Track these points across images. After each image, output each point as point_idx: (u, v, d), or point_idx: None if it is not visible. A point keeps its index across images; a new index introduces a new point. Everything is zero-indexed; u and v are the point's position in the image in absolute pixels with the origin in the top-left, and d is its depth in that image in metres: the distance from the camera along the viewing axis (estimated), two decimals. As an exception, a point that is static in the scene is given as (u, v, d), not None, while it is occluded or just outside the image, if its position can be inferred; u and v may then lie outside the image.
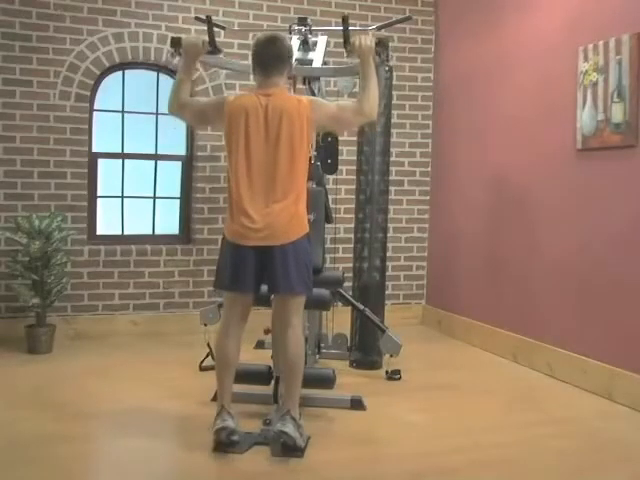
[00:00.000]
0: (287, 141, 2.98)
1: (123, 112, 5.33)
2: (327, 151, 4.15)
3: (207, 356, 4.27)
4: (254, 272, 3.02)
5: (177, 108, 3.19)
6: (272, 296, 3.26)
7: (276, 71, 3.06)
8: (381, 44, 3.20)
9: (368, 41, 3.09)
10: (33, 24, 4.95)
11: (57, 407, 3.60)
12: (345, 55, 3.26)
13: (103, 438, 3.41)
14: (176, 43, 3.33)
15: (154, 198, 5.45)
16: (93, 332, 5.08)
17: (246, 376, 3.45)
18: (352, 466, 3.00)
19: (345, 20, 3.15)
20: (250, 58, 3.13)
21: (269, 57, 3.06)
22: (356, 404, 3.69)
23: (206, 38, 3.21)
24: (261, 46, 3.08)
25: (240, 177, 3.00)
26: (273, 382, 3.50)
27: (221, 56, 3.68)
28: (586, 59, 4.16)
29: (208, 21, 3.26)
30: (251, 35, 5.38)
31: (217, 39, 3.32)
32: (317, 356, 4.34)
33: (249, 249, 3.00)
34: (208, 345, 4.22)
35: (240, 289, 3.06)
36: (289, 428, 2.96)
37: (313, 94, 3.96)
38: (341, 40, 3.19)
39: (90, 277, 5.14)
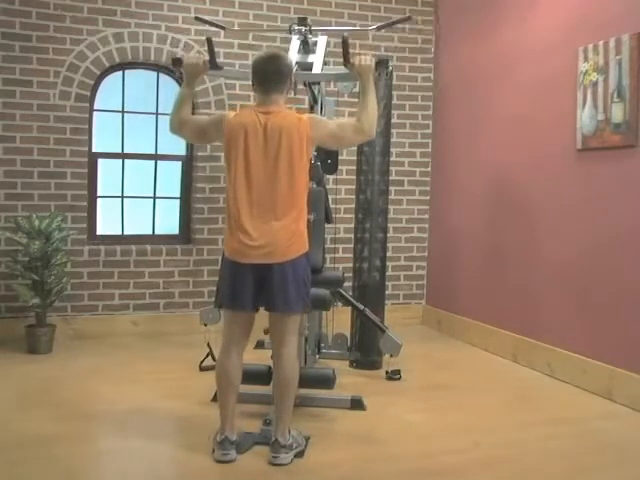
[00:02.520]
0: (286, 159, 2.97)
1: (123, 112, 5.34)
2: (327, 151, 4.15)
3: (207, 356, 4.27)
4: (253, 290, 3.00)
5: (177, 126, 3.17)
6: None
7: (276, 89, 3.05)
8: (381, 64, 3.23)
9: (368, 60, 3.12)
10: (33, 24, 4.95)
11: (57, 407, 3.61)
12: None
13: (103, 438, 3.41)
14: (177, 62, 3.35)
15: (154, 198, 5.45)
16: (93, 332, 5.08)
17: (246, 376, 3.44)
18: (352, 466, 3.00)
19: (345, 41, 3.17)
20: (250, 76, 3.12)
21: (269, 74, 3.04)
22: (356, 404, 3.69)
23: (207, 57, 3.23)
24: (261, 64, 3.08)
25: (239, 194, 2.99)
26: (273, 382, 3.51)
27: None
28: (586, 59, 4.16)
29: (208, 41, 3.27)
30: (251, 35, 5.40)
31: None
32: (317, 356, 4.34)
33: (248, 267, 2.98)
34: (208, 345, 4.22)
35: (239, 307, 3.05)
36: (282, 459, 2.97)
37: (313, 95, 3.97)
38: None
39: (90, 277, 5.14)
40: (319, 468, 2.95)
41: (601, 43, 4.03)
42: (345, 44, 3.16)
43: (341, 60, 3.20)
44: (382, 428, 3.47)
